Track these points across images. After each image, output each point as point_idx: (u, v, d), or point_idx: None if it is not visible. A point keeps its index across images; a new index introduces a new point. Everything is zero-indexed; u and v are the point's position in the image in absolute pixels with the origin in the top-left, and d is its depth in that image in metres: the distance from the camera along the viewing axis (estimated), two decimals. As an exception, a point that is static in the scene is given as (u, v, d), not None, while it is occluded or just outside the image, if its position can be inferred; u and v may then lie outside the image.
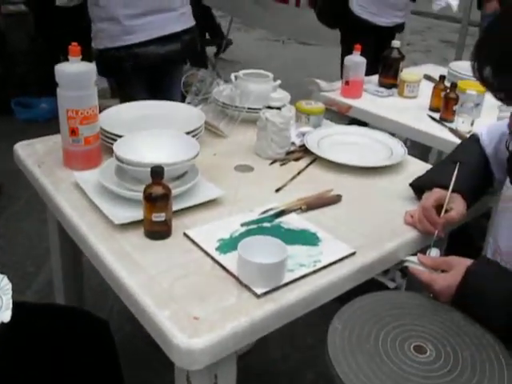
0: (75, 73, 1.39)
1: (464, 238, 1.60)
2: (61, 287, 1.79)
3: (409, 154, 1.65)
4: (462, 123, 1.97)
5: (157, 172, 1.11)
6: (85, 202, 1.28)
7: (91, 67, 1.41)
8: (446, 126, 2.05)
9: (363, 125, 2.23)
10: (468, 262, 1.10)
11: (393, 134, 1.84)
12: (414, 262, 1.19)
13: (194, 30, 2.52)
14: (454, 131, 1.98)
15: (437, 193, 1.26)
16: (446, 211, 1.24)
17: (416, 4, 3.34)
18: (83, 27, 4.03)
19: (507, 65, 0.94)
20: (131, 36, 2.32)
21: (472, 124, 1.96)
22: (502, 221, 1.22)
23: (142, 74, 2.26)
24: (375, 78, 2.48)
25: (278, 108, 1.55)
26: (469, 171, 1.33)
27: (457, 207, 1.25)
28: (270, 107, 1.55)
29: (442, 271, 1.13)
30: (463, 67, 2.37)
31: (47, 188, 1.38)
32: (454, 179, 1.27)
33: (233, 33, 6.25)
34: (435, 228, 1.23)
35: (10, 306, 0.95)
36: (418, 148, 2.49)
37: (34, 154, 1.55)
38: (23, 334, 1.16)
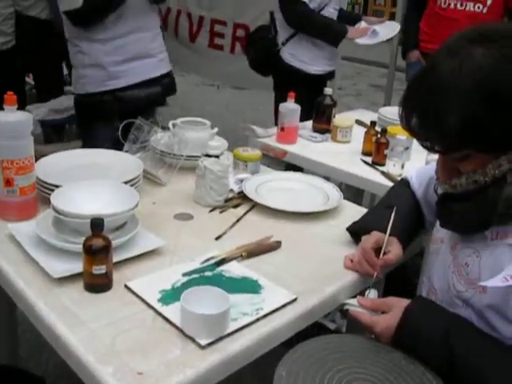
0: (11, 122, 1.37)
1: (400, 278, 1.66)
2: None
3: (343, 197, 1.70)
4: (393, 166, 2.06)
5: (97, 224, 1.10)
6: (21, 254, 1.25)
7: (28, 116, 1.40)
8: (378, 170, 2.13)
9: (299, 170, 2.29)
10: (405, 302, 1.14)
11: (327, 178, 1.90)
12: (353, 305, 1.21)
13: (172, 75, 2.71)
14: (385, 174, 2.06)
15: (375, 236, 1.31)
16: (384, 253, 1.29)
17: (345, 50, 3.49)
18: (17, 71, 4.00)
19: (431, 118, 1.00)
20: (115, 81, 2.45)
21: (402, 167, 2.04)
22: (434, 261, 1.27)
23: (125, 117, 2.31)
24: (309, 123, 2.56)
25: (217, 156, 1.57)
26: (402, 215, 1.39)
27: (394, 250, 1.30)
28: (208, 155, 1.58)
29: (382, 312, 1.17)
30: (392, 112, 2.48)
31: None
32: (391, 223, 1.32)
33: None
34: (374, 269, 1.27)
35: None
36: (351, 191, 2.58)
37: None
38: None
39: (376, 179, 2.06)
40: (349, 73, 8.53)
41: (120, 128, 1.85)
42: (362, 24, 3.12)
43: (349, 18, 3.24)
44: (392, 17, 7.36)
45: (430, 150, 1.08)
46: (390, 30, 3.10)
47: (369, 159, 2.21)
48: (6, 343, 1.75)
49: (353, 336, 1.21)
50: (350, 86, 8.15)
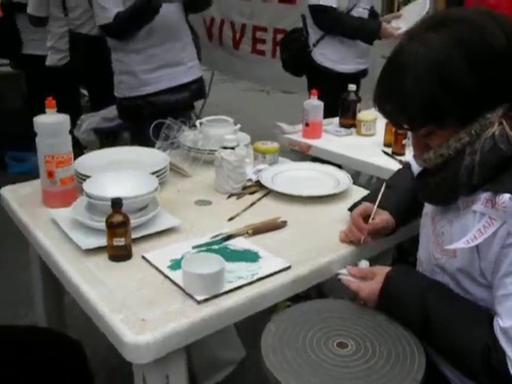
0: (51, 123, 1.60)
1: (404, 255, 1.79)
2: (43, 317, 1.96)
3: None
4: (409, 155, 2.17)
5: (116, 202, 1.30)
6: (59, 234, 1.47)
7: (65, 118, 1.62)
8: (396, 159, 2.24)
9: (325, 163, 2.43)
10: (388, 269, 1.28)
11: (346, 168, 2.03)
12: (345, 274, 1.36)
13: (201, 80, 2.95)
14: (402, 163, 2.17)
15: (364, 205, 1.46)
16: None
17: (383, 48, 3.49)
18: (73, 85, 4.33)
19: (396, 99, 1.14)
20: (147, 87, 2.72)
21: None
22: (422, 235, 1.40)
23: (156, 119, 2.57)
24: (336, 119, 2.70)
25: (232, 148, 1.75)
26: (399, 193, 1.52)
27: (382, 216, 1.44)
28: (225, 147, 1.76)
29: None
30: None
31: (28, 224, 1.57)
32: (380, 196, 1.45)
33: (218, 84, 6.53)
34: (362, 233, 1.41)
35: None
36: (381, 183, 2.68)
37: (18, 196, 1.75)
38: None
39: (394, 168, 2.17)
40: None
41: (151, 128, 2.06)
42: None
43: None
44: None
45: (401, 128, 1.22)
46: (417, 13, 3.04)
47: (389, 150, 2.33)
48: (56, 314, 1.97)
49: (341, 300, 1.35)
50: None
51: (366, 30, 3.12)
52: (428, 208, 1.36)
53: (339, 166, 2.15)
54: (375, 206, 1.44)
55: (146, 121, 2.31)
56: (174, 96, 2.76)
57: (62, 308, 1.99)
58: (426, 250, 1.33)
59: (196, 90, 2.89)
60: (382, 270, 1.28)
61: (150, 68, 2.71)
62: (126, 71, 2.74)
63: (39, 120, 1.60)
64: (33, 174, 1.80)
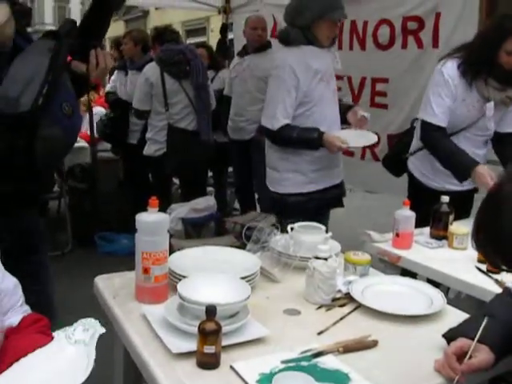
0: (151, 222, 1.66)
1: None
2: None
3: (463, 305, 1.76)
4: (506, 274, 2.07)
5: (210, 310, 1.31)
6: (149, 331, 1.49)
7: (164, 217, 1.69)
8: (492, 278, 2.14)
9: (413, 274, 2.36)
10: None
11: (437, 284, 1.96)
12: None
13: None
14: (499, 283, 2.08)
15: (460, 341, 1.38)
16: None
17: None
18: (166, 174, 4.53)
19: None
20: (312, 185, 3.02)
21: (517, 276, 2.05)
22: None
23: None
24: (427, 229, 2.64)
25: (325, 258, 1.74)
26: (502, 326, 1.42)
27: (480, 356, 1.35)
28: (317, 257, 1.75)
29: None
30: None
31: (119, 317, 1.60)
32: (481, 330, 1.38)
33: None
34: (455, 373, 1.33)
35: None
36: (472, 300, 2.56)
37: (111, 287, 1.81)
38: None
39: (489, 288, 2.08)
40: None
41: (244, 231, 2.10)
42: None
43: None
44: None
45: (499, 269, 1.18)
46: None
47: (483, 267, 2.24)
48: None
49: None
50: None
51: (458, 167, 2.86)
52: None
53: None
54: (474, 343, 1.36)
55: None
56: (329, 193, 3.09)
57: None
58: None
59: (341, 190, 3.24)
60: None
61: (316, 168, 3.00)
62: (294, 169, 2.99)
63: (141, 218, 1.67)
64: (119, 256, 1.86)
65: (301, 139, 2.91)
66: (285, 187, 3.05)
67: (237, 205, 5.63)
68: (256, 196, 5.02)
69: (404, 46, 4.31)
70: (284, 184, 3.05)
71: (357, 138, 3.04)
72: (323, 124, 2.95)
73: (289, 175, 3.02)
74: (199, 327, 1.31)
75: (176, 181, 5.08)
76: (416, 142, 3.11)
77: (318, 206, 3.03)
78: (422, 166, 3.08)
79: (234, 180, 5.37)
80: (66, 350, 1.22)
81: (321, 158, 2.99)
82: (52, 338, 1.27)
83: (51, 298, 2.15)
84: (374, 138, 3.10)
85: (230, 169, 5.52)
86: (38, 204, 2.21)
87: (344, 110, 3.17)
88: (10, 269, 1.44)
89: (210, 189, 5.42)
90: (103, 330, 1.28)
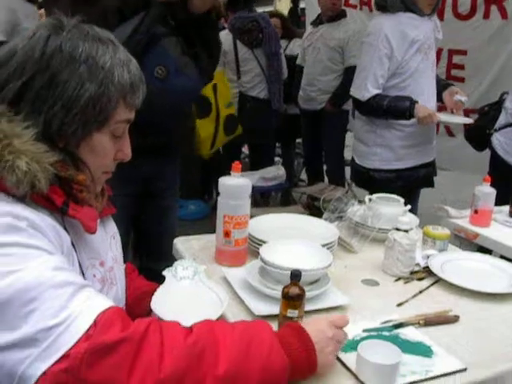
0: (234, 185, 1.68)
1: None
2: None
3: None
4: None
5: (295, 275, 1.31)
6: (230, 294, 1.52)
7: (247, 182, 1.70)
8: None
9: (488, 252, 2.30)
10: None
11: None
12: None
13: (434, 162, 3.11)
14: None
15: None
16: None
17: None
18: (236, 143, 4.55)
19: None
20: (401, 162, 2.90)
21: None
22: None
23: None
24: (506, 208, 2.55)
25: (406, 231, 1.72)
26: None
27: None
28: (398, 229, 1.73)
29: None
30: None
31: (199, 279, 1.64)
32: None
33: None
34: None
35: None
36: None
37: (191, 249, 1.85)
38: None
39: None
40: None
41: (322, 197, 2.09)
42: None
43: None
44: None
45: None
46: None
47: None
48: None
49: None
50: None
51: None
52: None
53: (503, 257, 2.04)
54: None
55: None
56: (421, 171, 2.96)
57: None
58: None
59: (433, 169, 3.07)
60: None
61: (406, 144, 2.88)
62: (382, 144, 2.89)
63: (224, 181, 1.69)
64: (187, 221, 1.90)
65: (391, 108, 2.76)
66: (372, 162, 2.94)
67: (303, 176, 5.62)
68: (324, 167, 4.99)
69: (486, 15, 4.14)
70: (372, 159, 2.94)
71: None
72: (418, 98, 2.79)
73: (377, 150, 2.91)
74: (283, 291, 1.32)
75: (244, 150, 5.11)
76: (504, 117, 3.02)
77: (406, 185, 2.89)
78: (507, 144, 2.99)
79: (302, 151, 5.35)
80: (180, 283, 1.41)
81: (413, 133, 2.86)
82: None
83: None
84: (469, 120, 3.05)
85: (298, 140, 5.50)
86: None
87: (440, 87, 3.01)
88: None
89: (277, 159, 5.42)
90: (203, 267, 1.44)
